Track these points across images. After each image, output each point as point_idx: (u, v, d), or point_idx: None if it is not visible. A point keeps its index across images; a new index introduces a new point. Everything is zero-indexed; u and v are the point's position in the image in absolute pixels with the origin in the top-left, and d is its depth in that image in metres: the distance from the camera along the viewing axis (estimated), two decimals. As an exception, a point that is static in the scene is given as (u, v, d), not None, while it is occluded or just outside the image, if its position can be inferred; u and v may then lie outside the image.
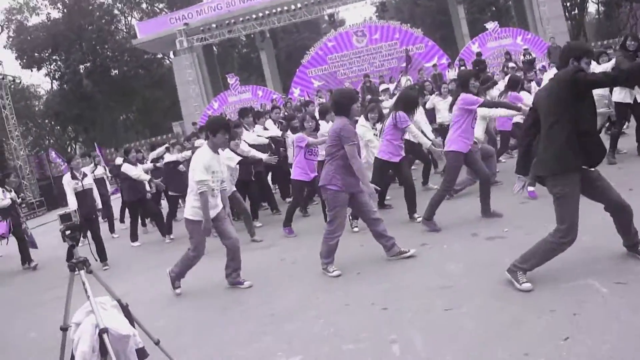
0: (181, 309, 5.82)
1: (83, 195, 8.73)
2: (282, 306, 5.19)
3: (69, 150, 44.62)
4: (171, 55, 33.30)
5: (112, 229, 12.15)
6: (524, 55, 18.66)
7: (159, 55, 40.62)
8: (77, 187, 8.73)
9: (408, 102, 7.20)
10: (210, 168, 5.69)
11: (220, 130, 5.68)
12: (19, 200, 12.16)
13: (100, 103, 39.85)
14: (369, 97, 12.72)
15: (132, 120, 46.92)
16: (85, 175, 8.96)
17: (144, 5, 43.88)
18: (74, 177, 8.81)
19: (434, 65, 20.04)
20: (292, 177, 8.24)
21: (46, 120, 45.31)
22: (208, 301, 5.88)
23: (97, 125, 42.00)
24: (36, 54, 40.44)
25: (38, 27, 40.75)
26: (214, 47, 32.26)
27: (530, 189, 7.19)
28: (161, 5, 43.34)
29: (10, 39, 41.08)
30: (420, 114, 9.17)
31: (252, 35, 30.09)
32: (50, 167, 28.69)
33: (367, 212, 5.80)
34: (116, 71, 40.91)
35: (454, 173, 6.78)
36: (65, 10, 40.76)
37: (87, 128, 42.70)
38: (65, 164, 19.24)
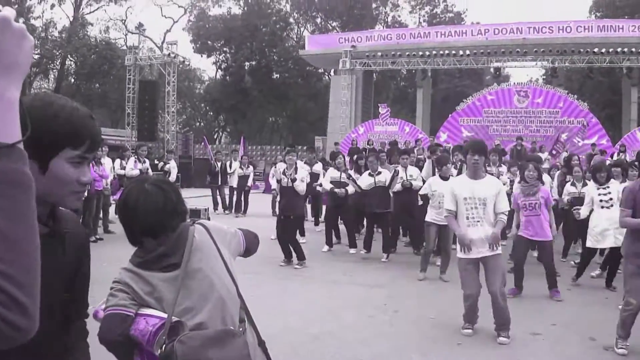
0: (282, 324, 5.83)
1: (285, 192, 9.14)
2: (371, 357, 5.08)
3: (215, 137, 47.20)
4: (332, 73, 34.13)
5: None
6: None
7: (320, 70, 41.83)
8: (283, 181, 9.14)
9: None
10: (458, 194, 5.66)
11: (470, 152, 5.64)
12: (150, 173, 12.99)
13: (255, 100, 41.66)
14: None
15: (279, 124, 48.70)
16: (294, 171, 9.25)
17: (318, 20, 45.63)
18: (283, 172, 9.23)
19: (593, 145, 18.94)
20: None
21: (202, 104, 48.22)
22: (307, 324, 5.91)
23: (246, 120, 44.08)
24: (209, 42, 43.16)
25: (217, 18, 43.60)
26: (374, 74, 32.68)
27: None
28: (334, 24, 44.76)
29: (190, 23, 44.49)
30: None
31: (413, 71, 30.08)
32: (194, 149, 30.34)
33: None
34: (277, 75, 42.70)
35: None
36: (245, 9, 43.43)
37: (237, 120, 44.89)
38: (210, 149, 20.25)
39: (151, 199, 2.07)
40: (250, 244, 2.42)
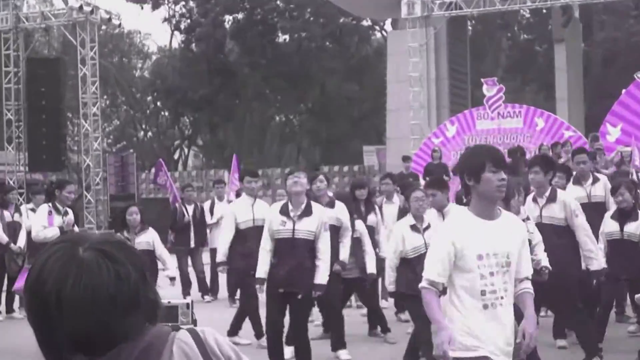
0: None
1: (287, 250, 9.30)
2: None
3: (177, 156, 47.41)
4: (387, 26, 33.89)
5: None
6: None
7: (365, 22, 41.97)
8: (282, 231, 9.25)
9: None
10: (465, 249, 5.45)
11: (487, 166, 5.45)
12: (76, 229, 12.68)
13: (247, 85, 41.95)
14: None
15: (295, 127, 49.14)
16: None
17: None
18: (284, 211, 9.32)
19: None
20: None
21: (148, 97, 48.56)
22: None
23: (233, 124, 44.19)
24: (155, -19, 43.69)
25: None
26: (469, 23, 32.41)
27: None
28: None
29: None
30: None
31: (543, 11, 29.74)
32: (138, 181, 30.17)
33: None
34: (286, 36, 43.14)
35: None
36: None
37: (216, 126, 45.21)
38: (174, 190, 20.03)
39: (91, 279, 1.94)
40: None
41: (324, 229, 9.31)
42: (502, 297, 5.44)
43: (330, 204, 10.93)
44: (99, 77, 28.49)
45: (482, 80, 25.97)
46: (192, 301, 8.50)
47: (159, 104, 47.96)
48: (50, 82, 27.32)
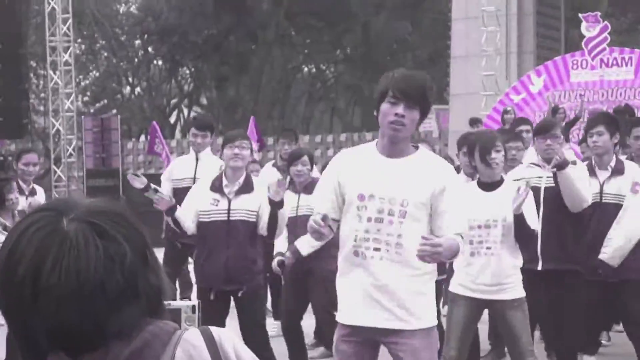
0: None
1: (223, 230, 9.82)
2: None
3: (174, 120, 47.81)
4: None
5: None
6: None
7: None
8: (213, 212, 9.82)
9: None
10: (348, 189, 6.26)
11: (388, 95, 6.04)
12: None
13: (266, 26, 41.59)
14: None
15: (328, 81, 49.00)
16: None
17: None
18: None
19: None
20: None
21: (136, 41, 48.78)
22: None
23: (248, 77, 44.10)
24: None
25: None
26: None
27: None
28: None
29: None
30: None
31: None
32: (123, 151, 30.53)
33: None
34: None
35: None
36: None
37: (225, 79, 44.99)
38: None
39: (74, 261, 2.04)
40: None
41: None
42: (375, 249, 6.09)
43: (308, 189, 11.15)
44: (72, 14, 28.20)
45: (581, 16, 25.77)
46: (199, 303, 7.79)
47: (150, 49, 48.35)
48: (7, 20, 26.78)
